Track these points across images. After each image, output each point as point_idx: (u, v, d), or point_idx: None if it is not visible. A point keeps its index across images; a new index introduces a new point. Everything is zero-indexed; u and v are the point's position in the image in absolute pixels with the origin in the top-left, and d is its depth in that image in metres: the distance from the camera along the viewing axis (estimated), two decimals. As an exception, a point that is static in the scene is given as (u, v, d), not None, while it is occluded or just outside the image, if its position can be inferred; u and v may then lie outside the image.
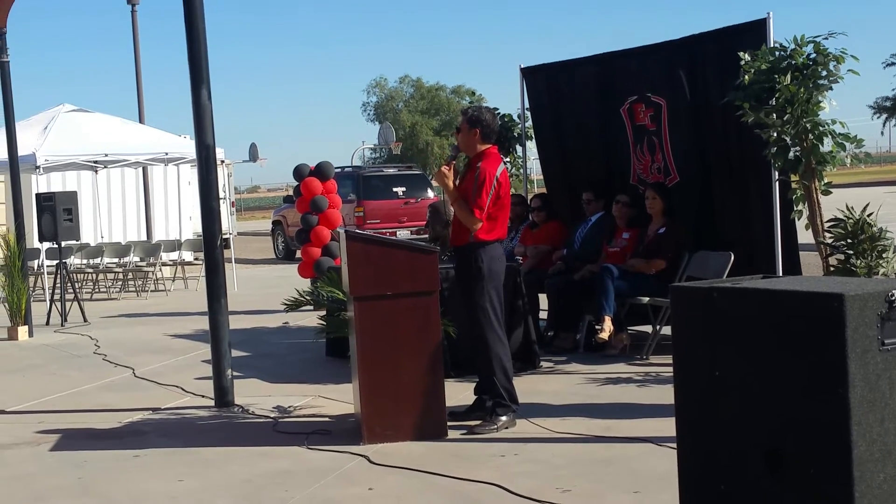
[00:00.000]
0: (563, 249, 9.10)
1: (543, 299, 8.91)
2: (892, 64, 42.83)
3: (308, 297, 7.76)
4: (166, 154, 15.88)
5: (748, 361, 3.51)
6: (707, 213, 8.30)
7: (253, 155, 33.83)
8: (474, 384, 6.29)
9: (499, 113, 10.63)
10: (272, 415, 6.67)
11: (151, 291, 15.58)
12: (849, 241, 6.44)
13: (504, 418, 5.94)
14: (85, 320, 12.11)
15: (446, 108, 52.25)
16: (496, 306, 6.05)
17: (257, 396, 7.25)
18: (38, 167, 14.16)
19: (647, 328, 8.43)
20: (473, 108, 6.35)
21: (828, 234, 6.65)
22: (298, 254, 12.51)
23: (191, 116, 6.98)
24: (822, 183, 6.77)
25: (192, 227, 18.43)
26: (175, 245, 16.79)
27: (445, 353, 6.37)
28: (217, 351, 7.02)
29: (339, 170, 18.68)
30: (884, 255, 6.34)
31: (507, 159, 10.51)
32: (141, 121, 21.32)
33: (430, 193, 20.45)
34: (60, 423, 6.74)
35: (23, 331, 11.14)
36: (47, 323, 12.12)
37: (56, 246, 12.50)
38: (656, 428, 5.54)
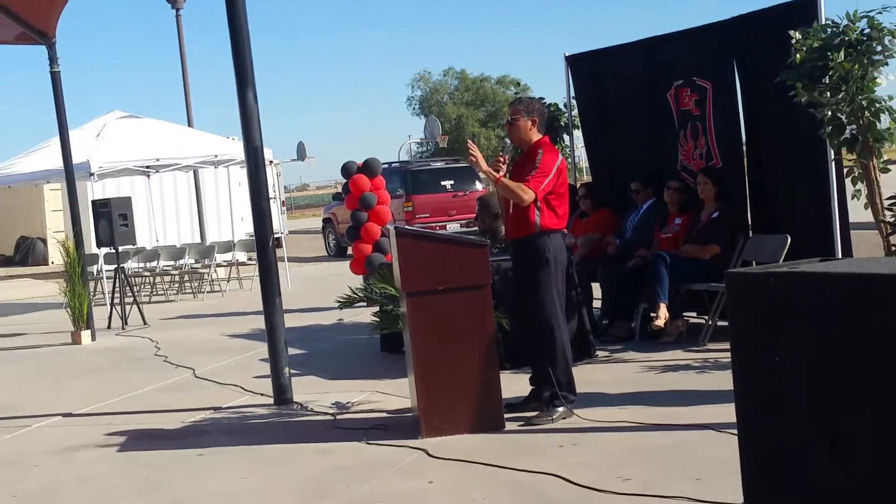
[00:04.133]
0: (615, 237, 9.05)
1: (595, 288, 8.87)
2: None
3: (361, 294, 7.79)
4: (216, 156, 16.02)
5: (809, 347, 3.46)
6: (758, 197, 8.19)
7: (301, 154, 34.07)
8: (529, 375, 6.28)
9: (545, 102, 10.60)
10: (331, 411, 6.72)
11: (207, 292, 15.74)
12: (909, 218, 6.32)
13: (561, 409, 5.92)
14: (144, 323, 12.30)
15: (492, 100, 52.10)
16: (561, 296, 6.02)
17: (315, 393, 7.31)
18: (92, 174, 14.31)
19: (704, 315, 8.35)
20: (526, 99, 6.32)
21: (888, 213, 6.54)
22: (350, 251, 12.56)
23: (238, 119, 7.05)
24: (881, 161, 6.64)
25: (244, 227, 18.57)
26: (229, 246, 16.96)
27: (499, 345, 6.36)
28: (274, 350, 7.08)
29: (386, 165, 18.74)
30: (945, 232, 6.23)
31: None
32: (189, 124, 21.55)
33: (479, 186, 20.43)
34: (126, 425, 6.86)
35: (86, 335, 11.36)
36: (108, 326, 12.33)
37: (113, 251, 12.72)
38: (716, 414, 5.49)
